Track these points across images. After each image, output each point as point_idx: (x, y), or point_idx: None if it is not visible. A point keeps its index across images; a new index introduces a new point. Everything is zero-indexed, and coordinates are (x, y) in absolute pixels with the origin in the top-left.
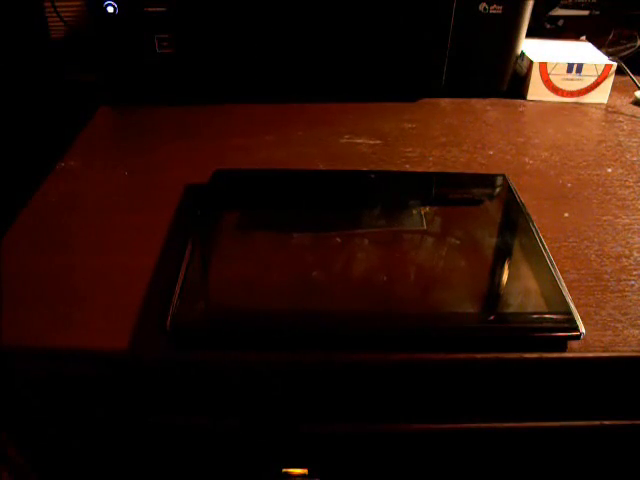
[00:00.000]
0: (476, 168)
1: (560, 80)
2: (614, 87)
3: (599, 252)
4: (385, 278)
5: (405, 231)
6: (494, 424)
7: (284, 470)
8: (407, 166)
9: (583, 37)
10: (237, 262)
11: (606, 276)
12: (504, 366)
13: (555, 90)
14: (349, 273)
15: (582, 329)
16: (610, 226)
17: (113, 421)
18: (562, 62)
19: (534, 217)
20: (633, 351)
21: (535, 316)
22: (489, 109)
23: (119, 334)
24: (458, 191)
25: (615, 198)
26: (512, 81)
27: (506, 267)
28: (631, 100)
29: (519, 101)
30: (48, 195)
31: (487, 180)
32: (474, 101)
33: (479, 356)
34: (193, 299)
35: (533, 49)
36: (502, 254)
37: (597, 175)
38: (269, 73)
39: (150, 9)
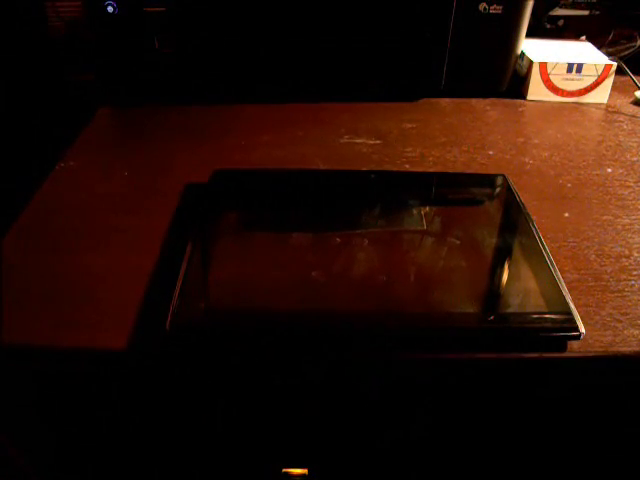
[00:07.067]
0: (476, 168)
1: (560, 80)
2: (614, 87)
3: (599, 252)
4: (385, 278)
5: (405, 231)
6: (494, 424)
7: (284, 470)
8: (407, 166)
9: (583, 37)
10: (237, 262)
11: (606, 276)
12: (504, 366)
13: (555, 90)
14: (349, 273)
15: (582, 329)
16: (610, 226)
17: (113, 420)
18: (562, 62)
19: (534, 217)
20: (633, 351)
21: (535, 316)
22: (489, 109)
23: (119, 334)
24: (458, 191)
25: (615, 198)
26: (512, 81)
27: (506, 267)
28: (631, 100)
29: (519, 101)
30: (48, 195)
31: (487, 180)
32: (474, 101)
33: (479, 356)
34: (193, 299)
35: (533, 49)
36: (502, 254)
37: (597, 175)
38: (269, 73)
39: (150, 9)
